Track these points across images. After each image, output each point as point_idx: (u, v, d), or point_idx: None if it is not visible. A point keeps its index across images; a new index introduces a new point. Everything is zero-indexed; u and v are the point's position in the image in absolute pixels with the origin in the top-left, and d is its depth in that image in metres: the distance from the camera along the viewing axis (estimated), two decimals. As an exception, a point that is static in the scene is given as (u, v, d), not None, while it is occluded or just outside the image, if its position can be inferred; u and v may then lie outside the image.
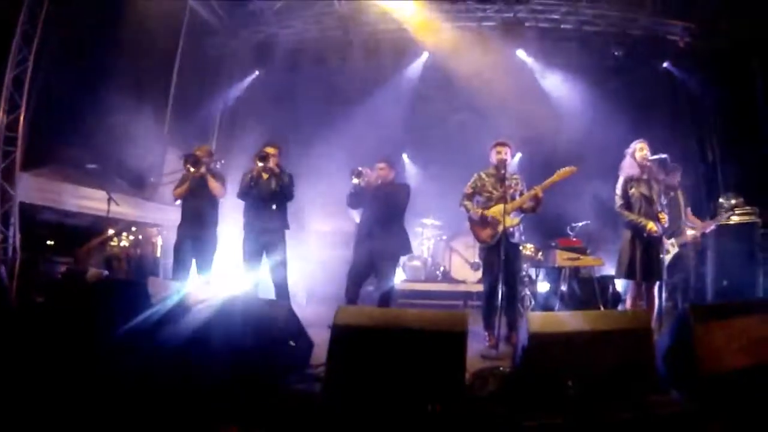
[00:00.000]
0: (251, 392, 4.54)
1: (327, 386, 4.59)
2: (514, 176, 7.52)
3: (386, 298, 7.69)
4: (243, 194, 7.89)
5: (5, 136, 8.80)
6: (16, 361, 5.35)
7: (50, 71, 9.55)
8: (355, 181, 7.70)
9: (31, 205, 9.63)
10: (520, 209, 7.29)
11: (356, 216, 9.38)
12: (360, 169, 7.74)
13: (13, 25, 8.67)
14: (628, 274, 6.92)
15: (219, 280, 8.48)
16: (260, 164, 7.70)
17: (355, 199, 7.89)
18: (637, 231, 6.84)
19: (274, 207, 7.78)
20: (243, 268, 7.78)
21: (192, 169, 7.95)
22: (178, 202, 8.36)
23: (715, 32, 11.34)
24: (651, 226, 6.73)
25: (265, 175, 7.79)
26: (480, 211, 7.27)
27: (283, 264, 7.84)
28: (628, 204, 6.99)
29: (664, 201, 7.01)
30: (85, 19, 9.99)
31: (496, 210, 7.18)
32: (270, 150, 7.87)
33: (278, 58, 13.65)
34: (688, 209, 8.95)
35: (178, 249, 8.19)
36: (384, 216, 7.75)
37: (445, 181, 12.66)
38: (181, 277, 7.92)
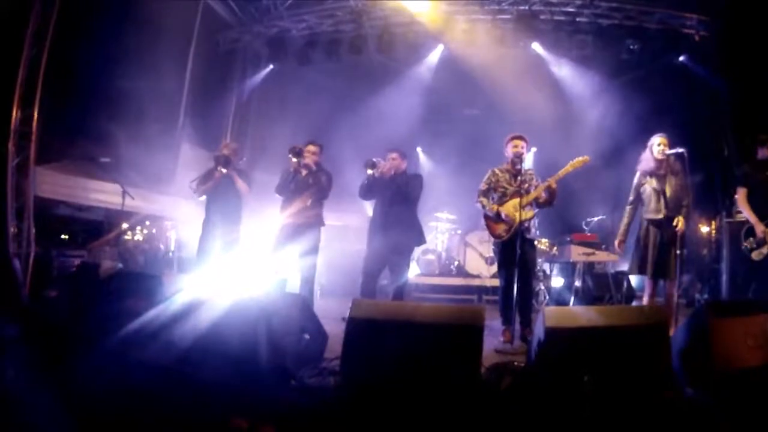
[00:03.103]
0: (264, 385, 4.54)
1: (341, 380, 4.58)
2: (529, 171, 7.47)
3: (400, 292, 7.69)
4: (280, 188, 7.97)
5: (20, 131, 8.83)
6: (30, 353, 5.38)
7: (64, 66, 9.58)
8: (369, 172, 7.68)
9: (45, 199, 9.69)
10: (536, 203, 7.20)
11: (369, 209, 9.37)
12: (374, 160, 7.74)
13: (26, 20, 8.70)
14: (639, 269, 6.91)
15: (243, 274, 8.52)
16: (294, 159, 7.75)
17: (368, 190, 7.86)
18: (648, 226, 6.85)
19: (309, 202, 7.82)
20: (271, 260, 7.82)
21: (224, 170, 8.11)
22: (203, 197, 8.49)
23: (731, 25, 11.24)
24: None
25: (303, 171, 7.84)
26: (495, 207, 7.21)
27: (313, 258, 7.89)
28: (639, 200, 7.00)
29: (685, 198, 6.90)
30: (98, 14, 10.03)
31: (510, 205, 7.13)
32: (311, 148, 7.98)
33: (291, 52, 13.65)
34: None
35: (203, 244, 8.32)
36: (397, 207, 7.73)
37: (460, 175, 12.74)
38: (203, 272, 8.00)
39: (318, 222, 8.01)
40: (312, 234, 7.89)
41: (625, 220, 7.12)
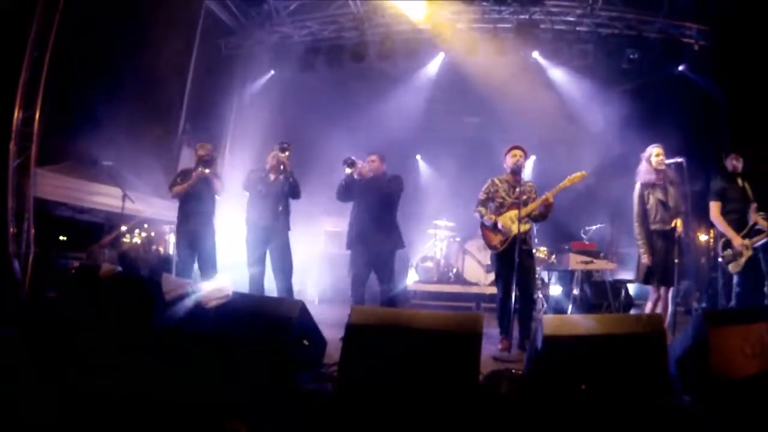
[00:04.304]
0: (262, 390, 4.54)
1: (339, 386, 4.59)
2: (528, 183, 7.46)
3: (392, 302, 7.65)
4: (250, 186, 7.99)
5: (21, 132, 8.85)
6: (29, 355, 5.39)
7: (66, 68, 9.60)
8: (348, 170, 7.61)
9: (45, 200, 9.70)
10: (529, 216, 7.14)
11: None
12: (353, 158, 7.66)
13: (28, 23, 8.73)
14: (647, 278, 6.92)
15: (226, 277, 8.53)
16: (282, 154, 7.77)
17: (346, 191, 7.78)
18: (655, 237, 6.86)
19: (280, 208, 7.83)
20: (248, 264, 7.84)
21: (206, 171, 8.10)
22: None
23: (730, 35, 11.28)
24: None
25: (272, 176, 7.89)
26: (493, 217, 7.18)
27: (287, 261, 7.91)
28: (644, 213, 6.98)
29: (685, 204, 6.95)
30: (101, 17, 10.06)
31: (507, 216, 7.12)
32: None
33: (293, 58, 13.67)
34: (754, 205, 7.79)
35: (180, 247, 8.29)
36: (377, 210, 7.67)
37: (459, 182, 12.77)
38: (185, 275, 7.97)
39: (287, 225, 8.01)
40: (284, 237, 7.94)
41: (643, 234, 6.99)
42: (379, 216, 7.67)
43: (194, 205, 8.27)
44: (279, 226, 7.87)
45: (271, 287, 8.02)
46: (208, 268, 8.21)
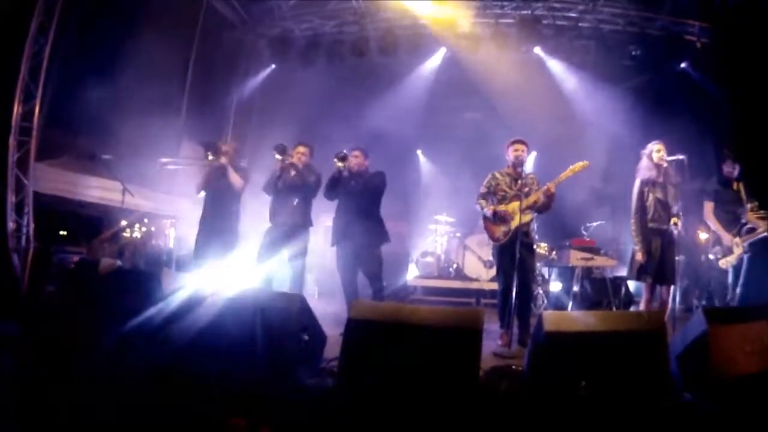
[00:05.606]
0: (262, 385, 4.53)
1: (340, 381, 4.58)
2: (530, 175, 7.45)
3: (380, 298, 7.66)
4: (267, 187, 7.90)
5: (20, 126, 8.83)
6: (28, 350, 5.38)
7: (66, 62, 9.59)
8: (340, 165, 7.52)
9: (45, 194, 9.67)
10: (533, 207, 7.15)
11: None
12: (345, 152, 7.59)
13: (29, 16, 8.70)
14: (640, 275, 6.91)
15: (235, 272, 8.49)
16: (278, 157, 7.66)
17: (334, 187, 7.73)
18: (652, 235, 6.86)
19: (296, 202, 7.76)
20: (259, 259, 7.77)
21: (210, 157, 7.94)
22: (201, 194, 8.37)
23: (733, 33, 11.24)
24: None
25: (292, 171, 7.79)
26: (493, 207, 7.20)
27: (301, 259, 7.82)
28: (643, 209, 6.96)
29: (679, 204, 6.93)
30: (101, 11, 10.04)
31: (508, 207, 7.14)
32: (300, 149, 7.90)
33: (294, 52, 13.62)
34: (755, 204, 7.85)
35: (198, 241, 8.21)
36: (362, 206, 7.67)
37: (460, 178, 12.75)
38: (198, 269, 7.93)
39: (306, 222, 7.91)
40: (300, 235, 7.81)
41: (639, 230, 6.98)
42: (363, 211, 7.67)
43: (213, 200, 8.22)
44: (297, 224, 7.78)
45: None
46: (224, 263, 8.16)
